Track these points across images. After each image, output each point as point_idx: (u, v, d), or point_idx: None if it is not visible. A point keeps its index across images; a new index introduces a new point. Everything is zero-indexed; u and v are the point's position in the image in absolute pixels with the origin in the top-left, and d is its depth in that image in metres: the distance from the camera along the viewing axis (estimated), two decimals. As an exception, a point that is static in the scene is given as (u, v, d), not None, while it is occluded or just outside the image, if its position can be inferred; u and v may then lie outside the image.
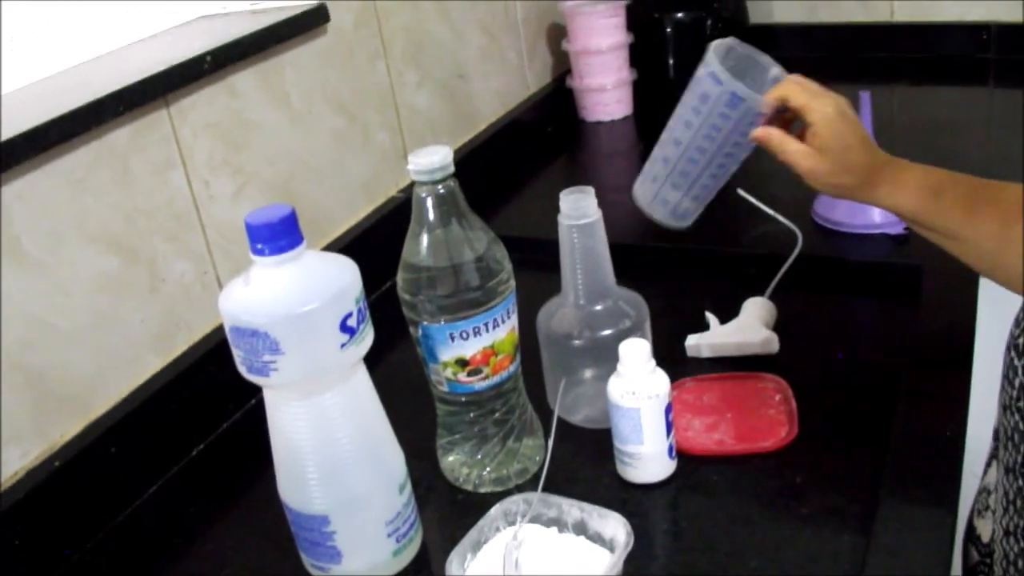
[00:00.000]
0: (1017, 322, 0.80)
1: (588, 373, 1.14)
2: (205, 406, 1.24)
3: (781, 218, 1.46)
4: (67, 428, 1.12)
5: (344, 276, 0.88)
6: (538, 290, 1.13)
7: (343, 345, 0.87)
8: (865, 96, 1.43)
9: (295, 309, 0.84)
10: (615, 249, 1.33)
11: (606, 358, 1.05)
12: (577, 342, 1.09)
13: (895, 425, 1.04)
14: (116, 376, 1.17)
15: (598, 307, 1.10)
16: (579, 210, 1.06)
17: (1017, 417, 0.77)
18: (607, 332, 1.08)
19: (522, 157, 1.88)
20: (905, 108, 2.02)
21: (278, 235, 0.84)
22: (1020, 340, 0.78)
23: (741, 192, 1.52)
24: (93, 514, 1.10)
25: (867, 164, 1.01)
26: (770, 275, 1.34)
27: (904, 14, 2.21)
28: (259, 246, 0.84)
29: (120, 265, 1.16)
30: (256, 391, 1.24)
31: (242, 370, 0.88)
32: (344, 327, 0.86)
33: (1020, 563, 0.77)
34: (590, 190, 1.06)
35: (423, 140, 1.64)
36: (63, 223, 1.09)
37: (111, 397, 1.16)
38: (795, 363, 1.20)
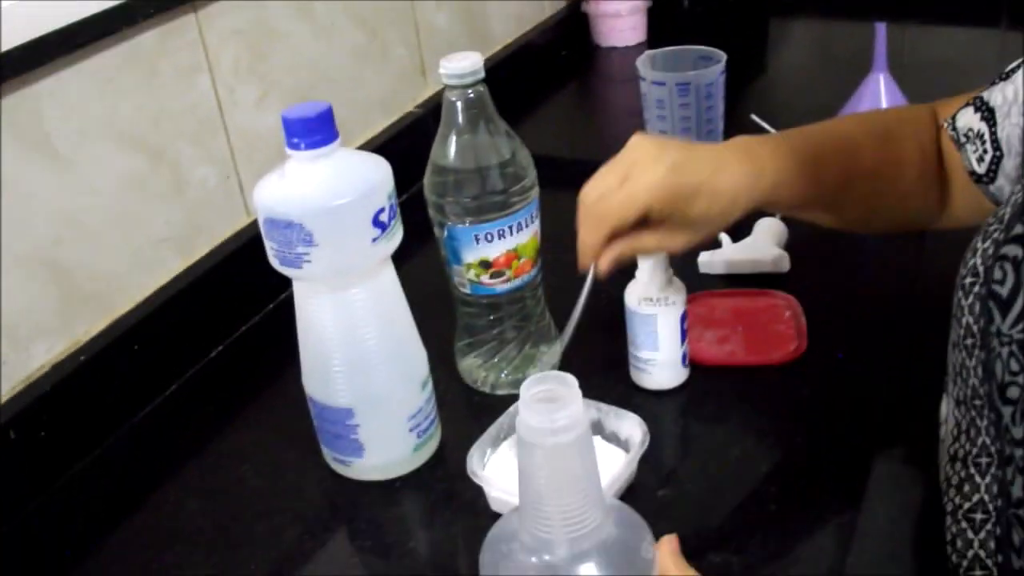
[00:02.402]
0: (964, 262, 0.82)
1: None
2: (224, 309, 1.26)
3: (794, 143, 1.48)
4: (91, 325, 1.14)
5: (377, 172, 0.90)
6: (551, 206, 1.15)
7: (375, 240, 0.89)
8: (881, 27, 1.46)
9: (330, 202, 0.86)
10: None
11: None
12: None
13: (895, 343, 1.07)
14: (139, 275, 1.19)
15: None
16: None
17: (964, 354, 0.79)
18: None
19: (536, 79, 1.89)
20: (915, 46, 2.03)
21: (314, 130, 0.86)
22: (966, 280, 0.80)
23: (754, 117, 1.55)
24: (116, 409, 1.13)
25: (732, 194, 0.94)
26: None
27: (919, -49, 2.22)
28: (295, 140, 0.86)
29: (146, 166, 1.17)
30: (275, 295, 1.28)
31: (274, 263, 0.90)
32: (376, 222, 0.88)
33: (966, 487, 0.80)
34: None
35: (441, 57, 1.64)
36: (92, 122, 1.11)
37: (134, 296, 1.18)
38: (805, 282, 1.23)
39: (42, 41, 1.03)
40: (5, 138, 1.02)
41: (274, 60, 1.33)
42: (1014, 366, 0.71)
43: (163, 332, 1.18)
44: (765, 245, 1.26)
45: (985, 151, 0.94)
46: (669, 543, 0.73)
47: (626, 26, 2.06)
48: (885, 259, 1.29)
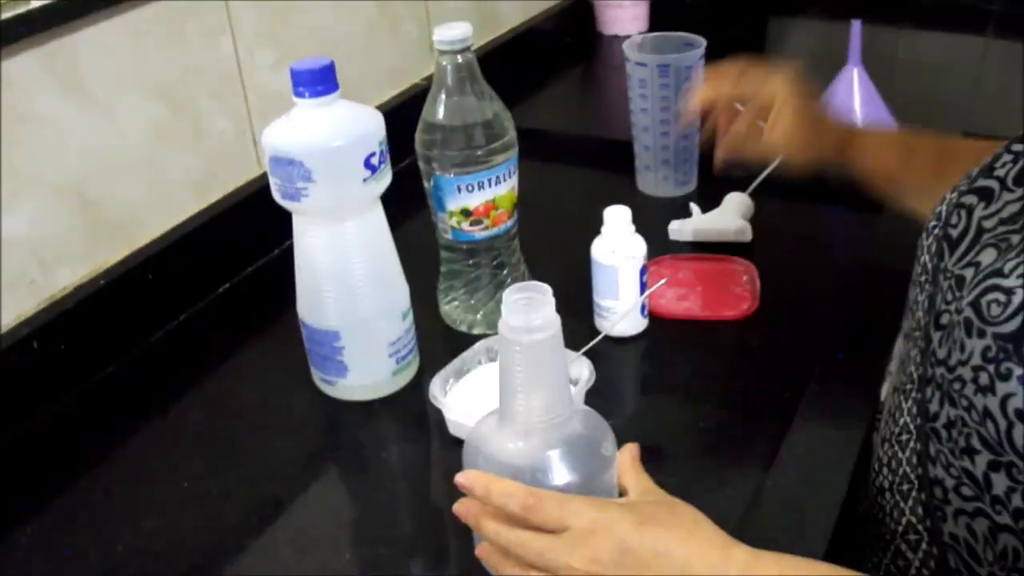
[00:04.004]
0: (933, 210, 0.94)
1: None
2: (233, 250, 1.38)
3: (769, 129, 1.59)
4: (112, 254, 1.26)
5: (371, 121, 1.02)
6: (536, 175, 1.25)
7: (365, 180, 1.01)
8: (856, 23, 1.57)
9: (327, 143, 0.98)
10: (615, 144, 1.48)
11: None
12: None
13: (843, 307, 1.19)
14: (158, 213, 1.31)
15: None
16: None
17: (917, 290, 0.91)
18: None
19: (540, 62, 2.00)
20: (903, 48, 2.14)
21: (318, 81, 0.98)
22: (930, 223, 0.92)
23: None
24: (130, 331, 1.25)
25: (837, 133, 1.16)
26: (754, 178, 1.47)
27: (913, -41, 2.31)
28: (301, 89, 0.99)
29: (169, 114, 1.29)
30: (277, 244, 1.40)
31: (277, 196, 1.02)
32: (367, 164, 1.00)
33: (896, 413, 0.91)
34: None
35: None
36: (123, 71, 1.23)
37: (152, 231, 1.30)
38: (765, 252, 1.34)
39: (85, -7, 1.15)
40: (46, 80, 1.14)
41: (292, 27, 1.45)
42: (949, 297, 0.83)
43: (177, 266, 1.30)
44: (731, 216, 1.38)
45: None
46: (631, 450, 0.86)
47: (628, 16, 2.17)
48: (842, 234, 1.41)
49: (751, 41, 2.22)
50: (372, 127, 1.01)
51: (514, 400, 0.80)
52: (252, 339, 1.27)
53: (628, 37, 2.12)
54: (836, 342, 1.13)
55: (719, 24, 2.19)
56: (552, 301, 0.77)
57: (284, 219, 1.06)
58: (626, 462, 0.85)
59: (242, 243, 1.39)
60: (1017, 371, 0.72)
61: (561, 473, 0.81)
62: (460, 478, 0.79)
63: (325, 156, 0.98)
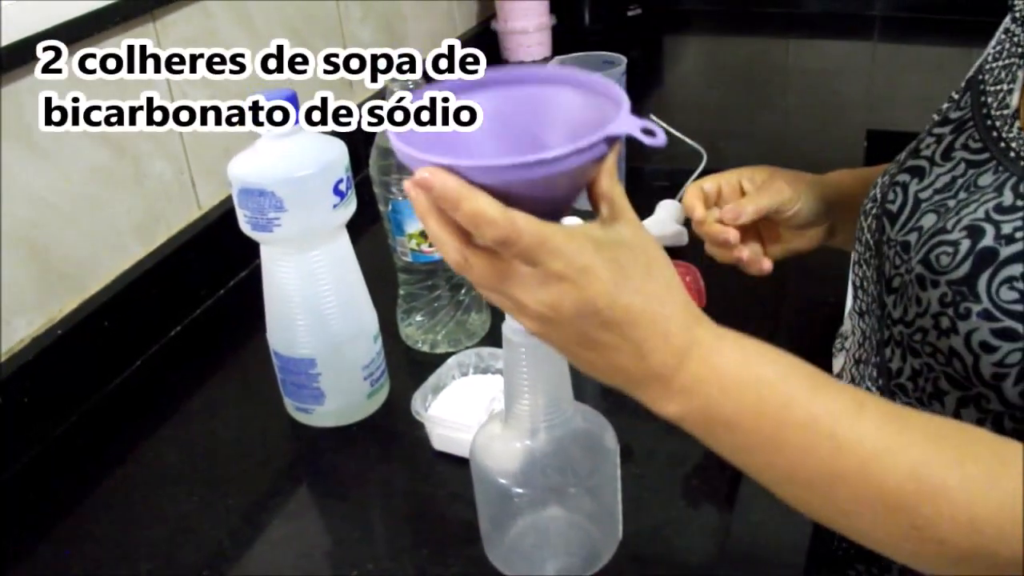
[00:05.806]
0: (867, 194, 1.00)
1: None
2: (182, 292, 1.39)
3: (689, 140, 1.65)
4: (65, 303, 1.26)
5: (335, 149, 1.05)
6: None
7: (335, 206, 1.03)
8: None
9: (297, 172, 1.00)
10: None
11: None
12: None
13: (786, 296, 1.24)
14: (106, 259, 1.31)
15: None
16: None
17: (864, 267, 0.97)
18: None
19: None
20: (798, 58, 2.23)
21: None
22: (867, 206, 0.98)
23: (653, 118, 1.71)
24: (92, 378, 1.25)
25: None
26: (680, 185, 1.53)
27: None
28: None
29: (111, 158, 1.30)
30: (226, 281, 1.41)
31: (246, 229, 1.04)
32: (336, 190, 1.03)
33: (859, 383, 0.97)
34: None
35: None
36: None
37: (102, 278, 1.30)
38: (701, 253, 1.39)
39: (26, 41, 1.15)
40: (-4, 129, 1.15)
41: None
42: (897, 262, 0.88)
43: (129, 311, 1.30)
44: (667, 222, 1.43)
45: None
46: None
47: (533, 42, 2.23)
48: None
49: (650, 57, 2.30)
50: (337, 154, 1.04)
51: (520, 401, 0.83)
52: (213, 376, 1.28)
53: (533, 63, 2.22)
54: (783, 329, 1.18)
55: (618, 45, 2.27)
56: None
57: (230, 257, 1.07)
58: (609, 166, 0.72)
59: (190, 283, 1.40)
60: (975, 308, 0.78)
61: (568, 468, 0.85)
62: (419, 177, 0.66)
63: (297, 185, 1.00)
